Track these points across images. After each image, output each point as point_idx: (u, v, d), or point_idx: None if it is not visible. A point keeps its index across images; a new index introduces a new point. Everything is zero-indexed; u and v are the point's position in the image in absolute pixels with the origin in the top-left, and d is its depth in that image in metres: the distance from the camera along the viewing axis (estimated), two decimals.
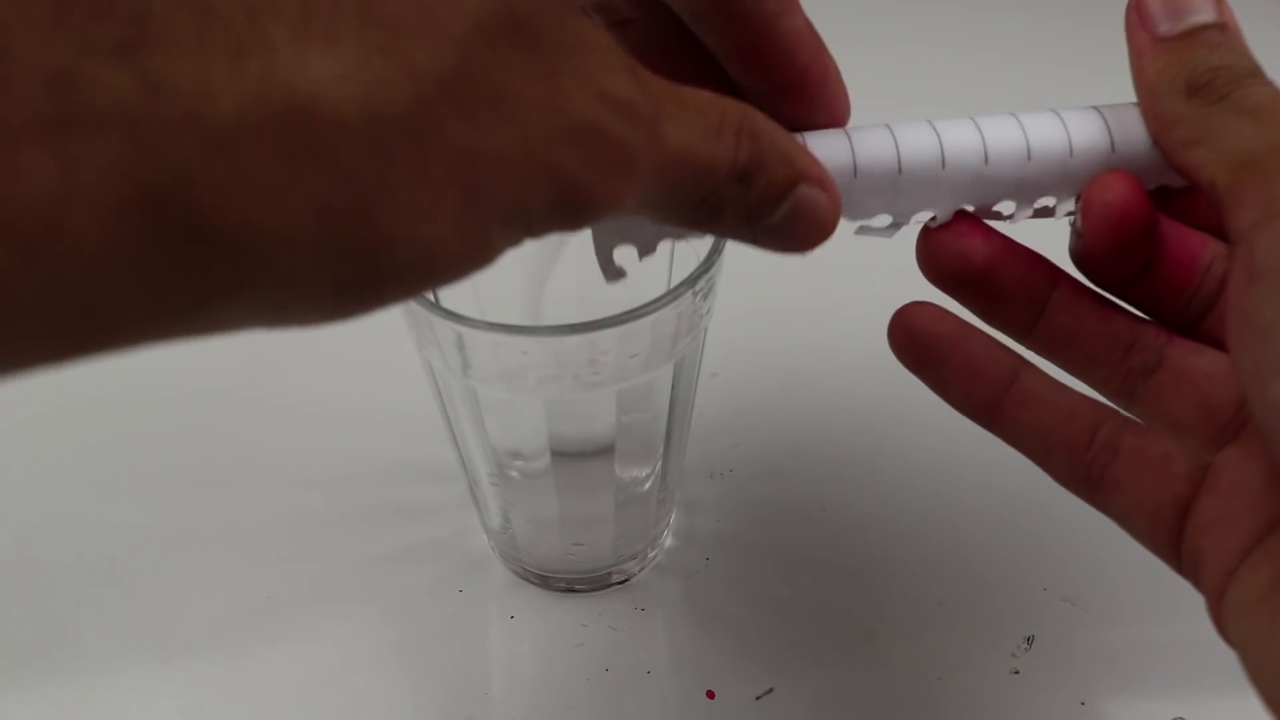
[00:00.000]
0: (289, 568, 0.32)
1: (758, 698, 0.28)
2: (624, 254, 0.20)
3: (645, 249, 0.20)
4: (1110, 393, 0.21)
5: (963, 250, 0.21)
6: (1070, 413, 0.21)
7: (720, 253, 0.23)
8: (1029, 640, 0.29)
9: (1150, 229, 0.20)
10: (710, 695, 0.28)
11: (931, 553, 0.31)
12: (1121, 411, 0.21)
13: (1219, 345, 0.21)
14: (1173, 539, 0.20)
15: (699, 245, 0.26)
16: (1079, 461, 0.21)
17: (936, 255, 0.21)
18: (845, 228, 0.22)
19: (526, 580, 0.31)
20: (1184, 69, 0.18)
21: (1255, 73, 0.18)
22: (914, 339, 0.21)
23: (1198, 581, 0.19)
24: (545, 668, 0.29)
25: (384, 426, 0.36)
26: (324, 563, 0.32)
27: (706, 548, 0.32)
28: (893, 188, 0.20)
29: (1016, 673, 0.29)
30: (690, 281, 0.23)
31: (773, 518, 0.33)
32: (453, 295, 0.27)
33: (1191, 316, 0.21)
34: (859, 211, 0.20)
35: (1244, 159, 0.17)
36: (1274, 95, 0.18)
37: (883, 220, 0.20)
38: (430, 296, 0.26)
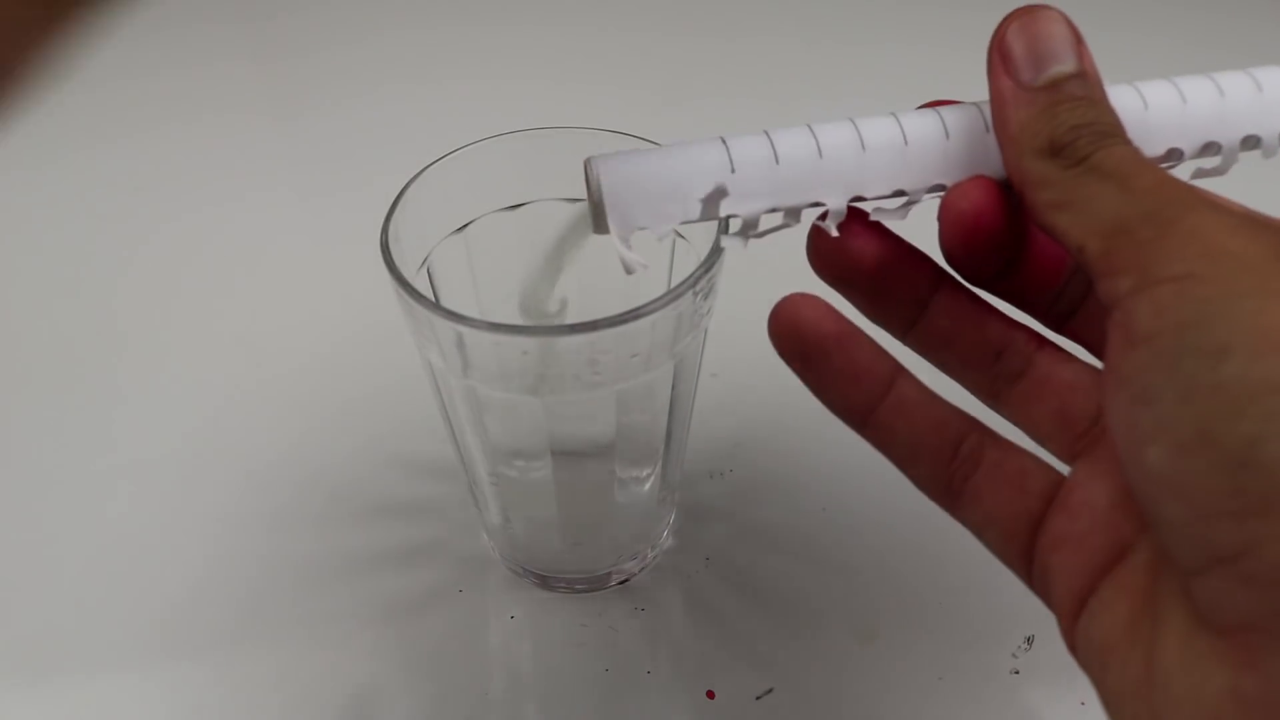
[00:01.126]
0: (288, 567, 0.32)
1: (758, 698, 0.28)
2: (638, 244, 0.20)
3: (662, 233, 0.20)
4: (980, 394, 0.22)
5: (854, 251, 0.21)
6: (939, 422, 0.21)
7: (720, 253, 0.23)
8: (1029, 640, 0.29)
9: (1006, 234, 0.20)
10: (710, 695, 0.28)
11: (932, 552, 0.31)
12: (984, 425, 0.21)
13: (1086, 345, 0.22)
14: (1025, 553, 0.20)
15: (699, 245, 0.26)
16: (942, 471, 0.21)
17: (828, 255, 0.21)
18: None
19: (526, 580, 0.31)
20: (1047, 126, 0.18)
21: (1115, 130, 0.18)
22: (799, 334, 0.21)
23: (1048, 598, 0.20)
24: (545, 668, 0.29)
25: (384, 426, 0.36)
26: (323, 562, 0.32)
27: (706, 548, 0.32)
28: (902, 159, 0.20)
29: (1016, 673, 0.29)
30: (690, 281, 0.23)
31: (773, 518, 0.33)
32: (453, 295, 0.27)
33: (1060, 314, 0.22)
34: (872, 188, 0.20)
35: (1113, 227, 0.17)
36: (1133, 157, 0.18)
37: (895, 200, 0.20)
38: (431, 296, 0.26)
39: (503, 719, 0.28)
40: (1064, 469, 0.20)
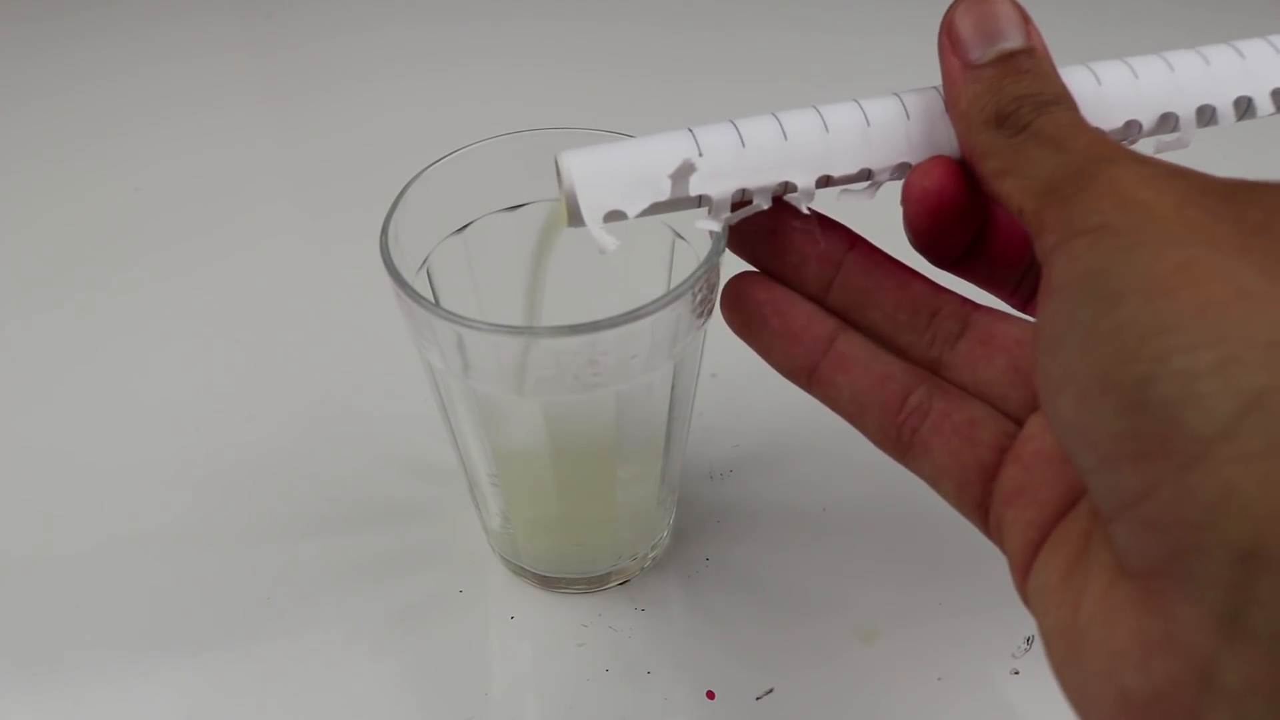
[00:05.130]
0: (289, 568, 0.32)
1: (758, 698, 0.28)
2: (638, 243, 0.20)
3: (635, 213, 0.20)
4: (918, 359, 0.22)
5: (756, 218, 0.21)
6: (884, 377, 0.22)
7: (720, 253, 0.23)
8: (1029, 640, 0.29)
9: (969, 210, 0.20)
10: (710, 695, 0.28)
11: (932, 553, 0.31)
12: (934, 379, 0.22)
13: None
14: (980, 504, 0.20)
15: (699, 246, 0.26)
16: (890, 424, 0.21)
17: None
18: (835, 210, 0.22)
19: (526, 580, 0.31)
20: (993, 99, 0.19)
21: (1059, 99, 0.19)
22: (739, 305, 0.22)
23: (1003, 548, 0.20)
24: (545, 668, 0.29)
25: (384, 426, 0.36)
26: (324, 563, 0.32)
27: (706, 548, 0.32)
28: (865, 139, 0.21)
29: (1016, 673, 0.29)
30: (690, 282, 0.23)
31: (773, 518, 0.33)
32: (453, 295, 0.27)
33: (1027, 293, 0.22)
34: (838, 167, 0.21)
35: (1046, 187, 0.17)
36: (1074, 121, 0.18)
37: (861, 183, 0.21)
38: (430, 297, 0.26)
39: (502, 719, 0.28)
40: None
